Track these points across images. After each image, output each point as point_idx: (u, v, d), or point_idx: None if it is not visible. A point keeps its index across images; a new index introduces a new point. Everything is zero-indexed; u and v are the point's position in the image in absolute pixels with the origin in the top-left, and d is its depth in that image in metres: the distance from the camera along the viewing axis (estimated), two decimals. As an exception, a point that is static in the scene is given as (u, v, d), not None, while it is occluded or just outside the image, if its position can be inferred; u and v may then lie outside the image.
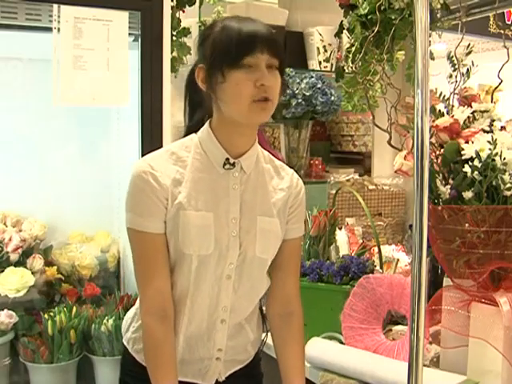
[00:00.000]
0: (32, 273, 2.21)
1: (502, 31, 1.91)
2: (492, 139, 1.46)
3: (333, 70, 2.59)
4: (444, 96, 1.70)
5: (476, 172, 1.45)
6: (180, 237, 1.26)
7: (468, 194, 1.45)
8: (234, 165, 1.31)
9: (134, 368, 1.37)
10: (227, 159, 1.31)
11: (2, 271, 2.19)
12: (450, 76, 1.74)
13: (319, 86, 2.49)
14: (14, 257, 2.24)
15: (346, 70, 2.05)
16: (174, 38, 2.20)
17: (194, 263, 1.27)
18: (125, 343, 1.42)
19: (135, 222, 1.27)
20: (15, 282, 2.14)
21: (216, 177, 1.31)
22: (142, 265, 1.30)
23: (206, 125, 1.34)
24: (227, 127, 1.30)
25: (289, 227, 1.40)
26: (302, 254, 1.95)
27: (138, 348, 1.36)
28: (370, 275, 1.72)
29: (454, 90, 1.72)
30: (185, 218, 1.26)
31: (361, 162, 2.98)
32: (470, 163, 1.46)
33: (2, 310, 2.14)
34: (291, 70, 2.49)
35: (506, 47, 1.70)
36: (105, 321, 2.15)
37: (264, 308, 1.48)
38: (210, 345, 1.35)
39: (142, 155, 1.38)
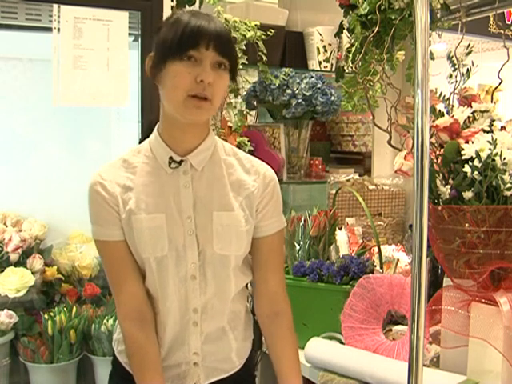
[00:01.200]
0: (32, 273, 2.22)
1: (502, 31, 1.90)
2: (492, 139, 1.45)
3: (333, 70, 2.59)
4: (444, 96, 1.69)
5: (476, 172, 1.44)
6: (136, 241, 1.27)
7: (468, 194, 1.45)
8: (180, 163, 1.29)
9: (120, 368, 1.37)
10: (171, 158, 1.28)
11: (2, 271, 2.19)
12: (450, 76, 1.74)
13: (319, 86, 2.49)
14: (13, 257, 2.24)
15: (346, 70, 2.04)
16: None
17: (152, 266, 1.27)
18: (112, 344, 1.42)
19: (98, 233, 1.29)
20: (15, 282, 2.14)
21: (165, 178, 1.29)
22: (113, 273, 1.31)
23: (156, 127, 1.33)
24: (169, 125, 1.29)
25: (263, 224, 1.34)
26: (302, 253, 1.95)
27: (120, 349, 1.36)
28: (370, 275, 1.71)
29: (454, 89, 1.72)
30: (136, 223, 1.26)
31: (361, 161, 2.97)
32: (470, 163, 1.46)
33: (2, 309, 2.14)
34: (291, 69, 2.49)
35: (506, 47, 1.70)
36: (105, 321, 2.15)
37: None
38: (185, 348, 1.32)
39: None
